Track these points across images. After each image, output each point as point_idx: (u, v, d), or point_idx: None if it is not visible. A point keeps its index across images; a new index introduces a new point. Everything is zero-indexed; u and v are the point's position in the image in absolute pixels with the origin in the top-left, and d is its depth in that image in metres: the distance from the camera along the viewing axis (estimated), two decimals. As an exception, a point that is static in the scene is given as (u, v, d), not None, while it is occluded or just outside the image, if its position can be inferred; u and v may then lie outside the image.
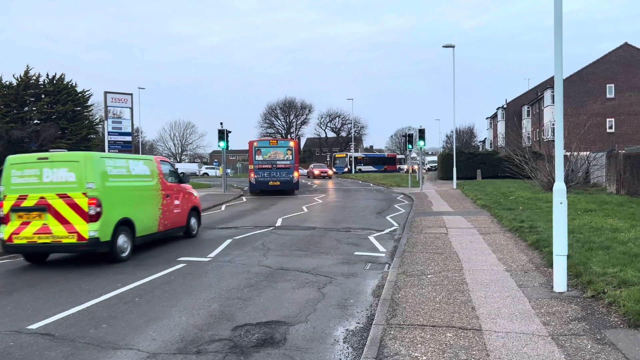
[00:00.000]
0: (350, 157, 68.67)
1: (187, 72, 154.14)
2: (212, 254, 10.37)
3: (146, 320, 6.11)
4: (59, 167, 9.18)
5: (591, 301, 6.20)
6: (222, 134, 28.63)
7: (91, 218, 9.01)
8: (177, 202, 12.11)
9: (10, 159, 9.48)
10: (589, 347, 4.81)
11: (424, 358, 4.65)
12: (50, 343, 5.37)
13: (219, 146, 29.22)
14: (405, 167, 76.30)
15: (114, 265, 9.36)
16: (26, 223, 9.09)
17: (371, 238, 12.44)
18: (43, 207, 9.03)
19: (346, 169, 66.57)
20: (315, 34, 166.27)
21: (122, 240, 9.67)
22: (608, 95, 47.54)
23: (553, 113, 49.25)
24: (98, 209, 9.08)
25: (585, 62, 55.14)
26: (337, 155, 72.88)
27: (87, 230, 8.96)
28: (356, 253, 10.50)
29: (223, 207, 21.84)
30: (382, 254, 10.38)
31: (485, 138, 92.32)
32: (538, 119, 58.02)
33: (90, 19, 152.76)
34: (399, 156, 78.60)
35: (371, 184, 39.22)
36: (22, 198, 9.16)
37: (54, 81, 62.49)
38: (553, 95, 50.52)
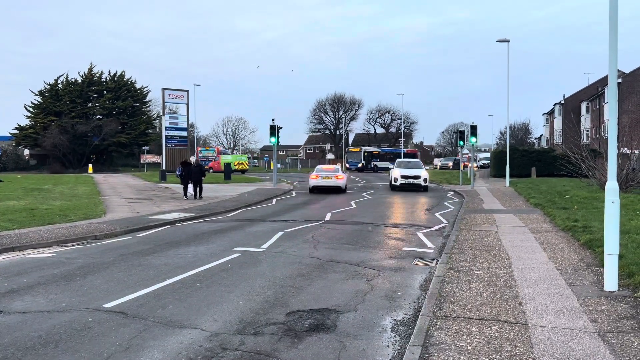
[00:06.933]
0: (365, 151, 66.07)
1: (244, 67, 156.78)
2: (265, 245, 10.86)
3: (207, 303, 6.60)
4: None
5: (642, 301, 6.18)
6: (274, 130, 29.32)
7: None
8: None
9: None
10: (635, 344, 4.86)
11: (469, 348, 4.86)
12: (124, 320, 5.94)
13: (270, 142, 29.93)
14: (438, 164, 74.04)
15: (175, 255, 10.02)
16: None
17: (419, 234, 12.58)
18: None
19: (360, 165, 63.20)
20: (374, 28, 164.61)
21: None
22: (676, 91, 44.97)
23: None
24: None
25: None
26: (350, 150, 68.56)
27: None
28: (404, 248, 10.70)
29: (274, 201, 22.45)
30: (430, 250, 10.53)
31: (542, 135, 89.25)
32: (598, 115, 55.61)
33: (154, 15, 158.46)
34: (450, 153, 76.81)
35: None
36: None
37: (115, 78, 65.43)
38: (615, 91, 48.32)
